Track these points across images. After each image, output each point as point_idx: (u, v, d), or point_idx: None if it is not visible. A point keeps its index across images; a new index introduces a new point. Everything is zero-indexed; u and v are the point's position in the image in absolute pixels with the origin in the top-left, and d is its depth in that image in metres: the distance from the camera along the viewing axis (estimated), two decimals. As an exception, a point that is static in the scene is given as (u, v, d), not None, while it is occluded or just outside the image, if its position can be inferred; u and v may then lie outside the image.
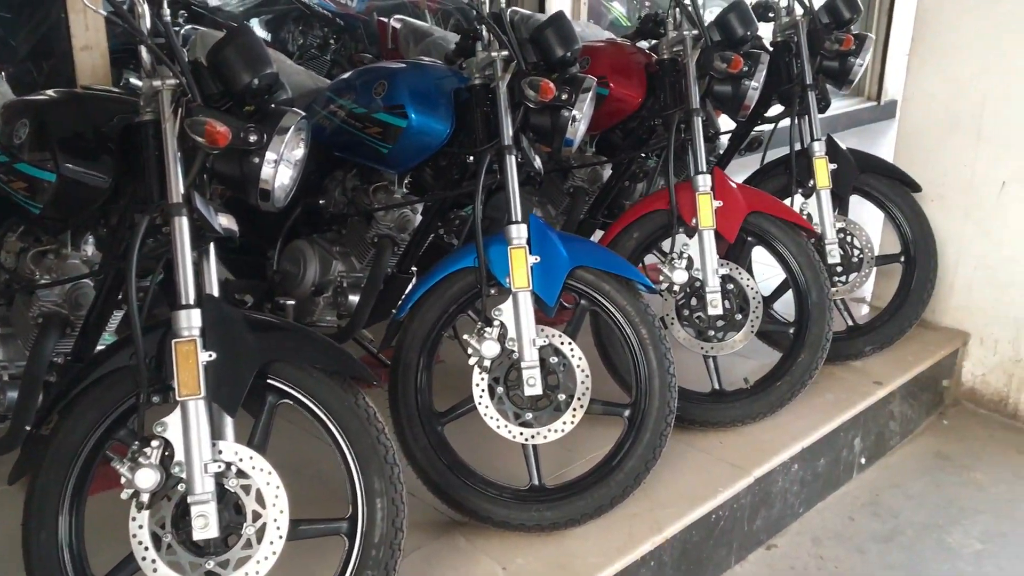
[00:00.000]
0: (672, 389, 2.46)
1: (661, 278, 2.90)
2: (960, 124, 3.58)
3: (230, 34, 1.86)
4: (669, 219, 2.93)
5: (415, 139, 2.59)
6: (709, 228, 2.90)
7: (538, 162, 2.51)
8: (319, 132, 2.82)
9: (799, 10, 3.46)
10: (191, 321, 1.78)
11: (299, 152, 1.94)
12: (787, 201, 3.44)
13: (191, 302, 1.79)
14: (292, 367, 1.89)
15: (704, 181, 2.92)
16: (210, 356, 1.78)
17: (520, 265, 2.32)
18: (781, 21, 3.50)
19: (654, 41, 3.25)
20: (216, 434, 1.81)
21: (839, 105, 7.92)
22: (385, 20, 4.14)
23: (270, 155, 1.82)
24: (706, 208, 2.91)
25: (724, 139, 3.81)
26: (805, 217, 3.39)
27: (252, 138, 1.79)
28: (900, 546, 2.89)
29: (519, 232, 2.34)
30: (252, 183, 1.83)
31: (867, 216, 3.66)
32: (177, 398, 1.77)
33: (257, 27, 4.29)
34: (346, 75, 2.85)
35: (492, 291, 2.40)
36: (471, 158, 2.55)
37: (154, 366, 1.80)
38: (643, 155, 3.36)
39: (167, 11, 1.78)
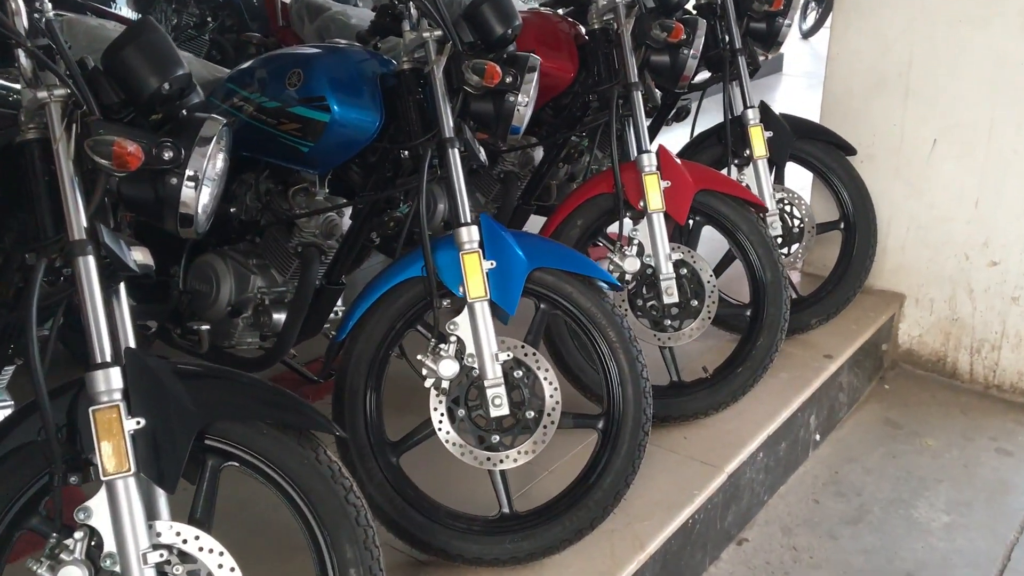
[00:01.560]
0: (647, 395, 2.26)
1: (611, 267, 2.70)
2: (887, 83, 3.49)
3: (131, 31, 1.59)
4: (615, 203, 2.72)
5: (340, 134, 2.28)
6: (659, 211, 2.71)
7: (482, 153, 2.26)
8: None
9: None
10: (111, 383, 1.51)
11: (220, 165, 1.70)
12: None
13: (108, 359, 1.51)
14: (237, 424, 1.62)
15: (650, 160, 2.72)
16: (138, 423, 1.52)
17: (475, 272, 2.09)
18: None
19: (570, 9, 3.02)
20: (151, 514, 1.54)
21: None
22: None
23: (190, 173, 1.57)
24: (654, 190, 2.71)
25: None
26: (747, 185, 3.24)
27: (167, 155, 1.54)
28: (870, 527, 2.80)
29: (470, 235, 2.10)
30: (170, 207, 1.58)
31: (801, 183, 3.56)
32: (101, 477, 1.50)
33: (126, 9, 3.83)
34: (249, 63, 2.50)
35: (444, 303, 2.14)
36: (405, 152, 2.29)
37: (66, 438, 1.53)
38: (578, 135, 3.13)
39: (49, 5, 1.51)
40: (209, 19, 4.18)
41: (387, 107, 2.29)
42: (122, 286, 1.58)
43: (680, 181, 2.76)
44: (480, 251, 2.10)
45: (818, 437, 3.20)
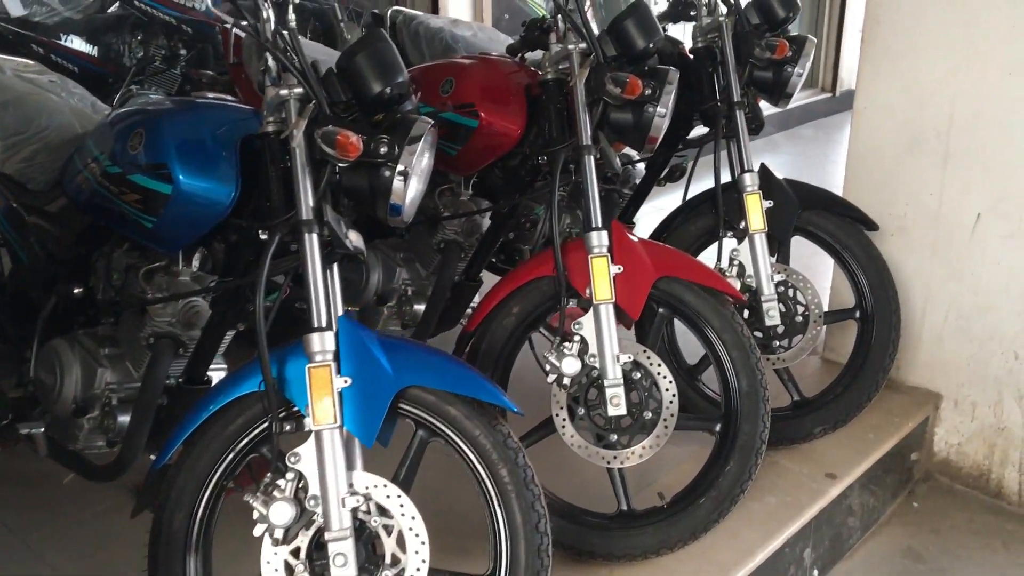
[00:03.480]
0: (544, 556, 1.79)
1: (548, 367, 2.23)
2: (924, 143, 2.93)
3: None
4: (555, 289, 2.25)
5: (185, 210, 1.88)
6: (607, 302, 2.23)
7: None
8: (78, 194, 2.10)
9: (723, 8, 2.77)
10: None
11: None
12: (714, 247, 2.79)
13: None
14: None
15: (599, 239, 2.24)
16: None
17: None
18: (702, 22, 2.81)
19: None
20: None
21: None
22: (228, 26, 3.39)
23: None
24: (602, 276, 2.23)
25: (641, 166, 3.14)
26: (736, 266, 2.73)
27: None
28: None
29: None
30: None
31: (812, 261, 3.01)
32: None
33: (78, 41, 3.53)
34: (107, 116, 2.12)
35: (286, 426, 1.72)
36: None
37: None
38: (529, 201, 2.69)
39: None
40: (182, 51, 3.86)
41: (246, 177, 1.89)
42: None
43: (636, 265, 2.27)
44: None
45: (816, 573, 2.64)
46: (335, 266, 1.79)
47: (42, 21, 3.54)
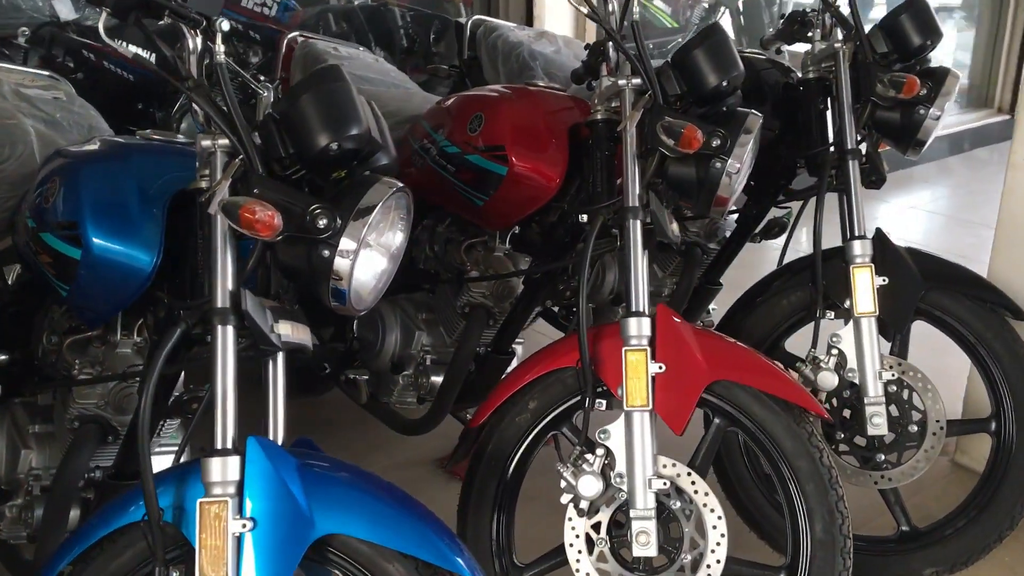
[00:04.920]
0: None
1: (562, 483, 1.77)
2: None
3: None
4: (580, 384, 1.79)
5: (99, 279, 1.54)
6: (642, 409, 1.75)
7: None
8: (18, 240, 1.80)
9: (840, 33, 2.22)
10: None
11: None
12: (810, 327, 2.24)
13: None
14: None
15: (638, 328, 1.77)
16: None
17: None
18: (815, 49, 2.26)
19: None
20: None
21: (962, 120, 6.42)
22: (291, 35, 3.07)
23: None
24: (638, 375, 1.76)
25: (733, 217, 2.61)
26: (835, 355, 2.17)
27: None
28: None
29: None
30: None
31: (939, 353, 2.39)
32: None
33: (134, 48, 3.30)
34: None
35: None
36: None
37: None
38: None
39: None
40: (252, 59, 3.58)
41: (169, 245, 1.53)
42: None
43: (685, 364, 1.78)
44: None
45: None
46: (279, 363, 1.45)
47: (94, 25, 3.33)
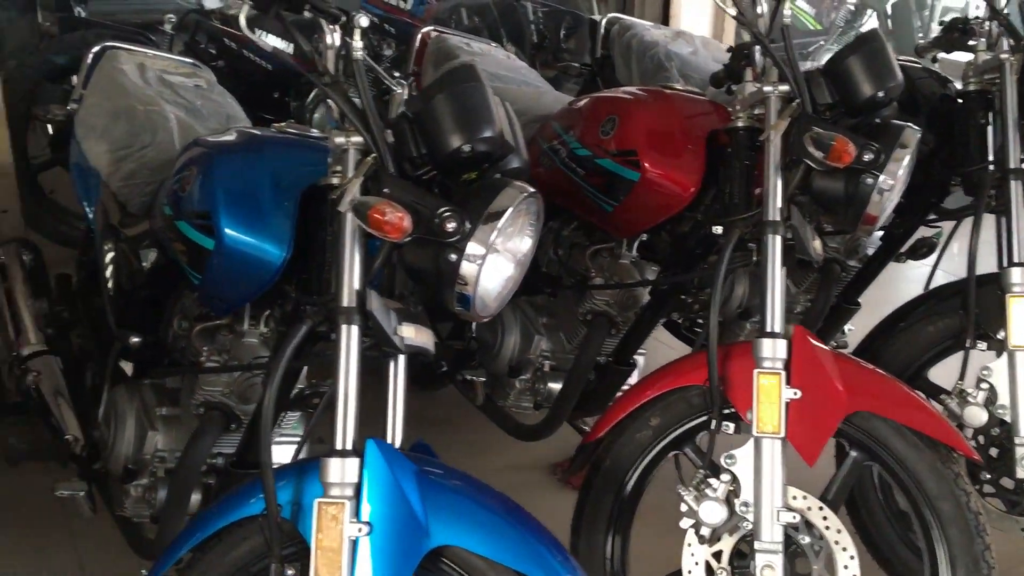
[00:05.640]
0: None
1: (683, 507, 1.70)
2: None
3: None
4: (707, 404, 1.71)
5: (229, 270, 1.55)
6: (773, 436, 1.65)
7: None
8: (157, 226, 1.84)
9: (1007, 43, 2.06)
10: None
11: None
12: (958, 357, 2.09)
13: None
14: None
15: (772, 350, 1.67)
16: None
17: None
18: (978, 59, 2.11)
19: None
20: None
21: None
22: (425, 29, 3.07)
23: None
24: (770, 400, 1.67)
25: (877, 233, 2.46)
26: (985, 389, 2.02)
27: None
28: None
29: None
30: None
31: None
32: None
33: (273, 38, 3.36)
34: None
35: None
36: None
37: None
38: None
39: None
40: (386, 52, 3.61)
41: (299, 239, 1.52)
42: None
43: (822, 391, 1.67)
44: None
45: None
46: (400, 364, 1.41)
47: (237, 15, 3.41)
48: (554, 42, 4.81)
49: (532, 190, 1.40)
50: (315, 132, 1.71)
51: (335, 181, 1.41)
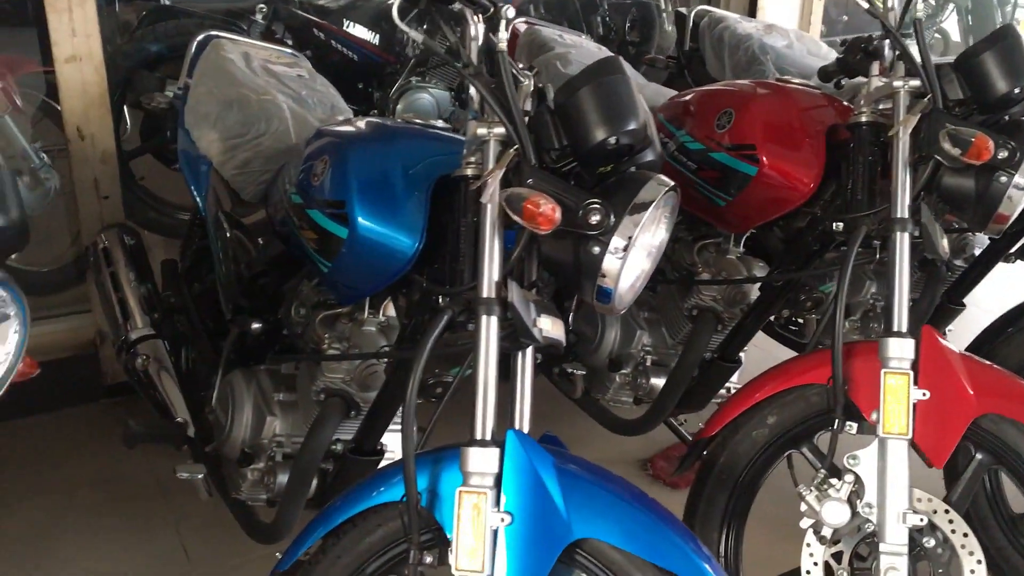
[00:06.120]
0: None
1: (804, 507, 1.68)
2: None
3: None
4: (828, 403, 1.69)
5: (361, 259, 1.55)
6: (899, 437, 1.63)
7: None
8: (274, 216, 1.86)
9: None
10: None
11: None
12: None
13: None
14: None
15: (900, 350, 1.65)
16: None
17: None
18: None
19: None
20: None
21: None
22: (516, 21, 3.06)
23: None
24: (898, 401, 1.64)
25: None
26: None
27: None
28: None
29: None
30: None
31: None
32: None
33: (360, 28, 3.38)
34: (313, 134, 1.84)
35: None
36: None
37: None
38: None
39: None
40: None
41: (436, 228, 1.52)
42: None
43: (951, 393, 1.66)
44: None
45: None
46: (528, 356, 1.40)
47: (326, 5, 3.44)
48: (620, 34, 4.79)
49: (672, 184, 1.39)
50: (440, 123, 1.71)
51: (469, 172, 1.41)
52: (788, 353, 2.52)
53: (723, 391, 2.26)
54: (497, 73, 1.36)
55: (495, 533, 1.31)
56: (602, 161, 1.39)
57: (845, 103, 1.99)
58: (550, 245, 1.39)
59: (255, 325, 1.83)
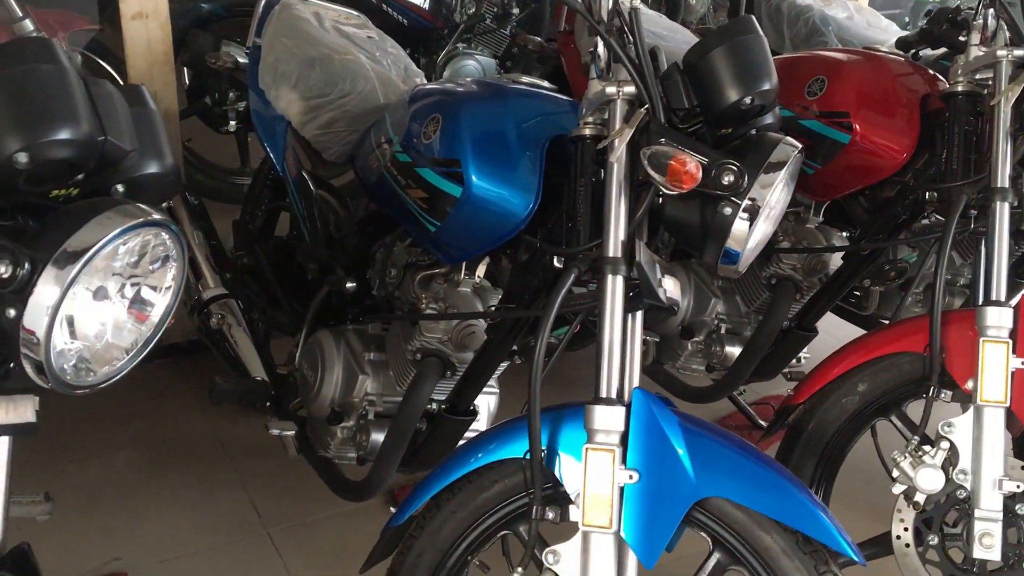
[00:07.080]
0: None
1: (896, 473, 1.69)
2: None
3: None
4: (924, 371, 1.70)
5: (473, 218, 1.55)
6: (996, 404, 1.64)
7: None
8: (366, 176, 1.85)
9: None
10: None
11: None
12: None
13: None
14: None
15: (999, 318, 1.66)
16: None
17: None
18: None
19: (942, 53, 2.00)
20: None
21: None
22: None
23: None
24: (996, 368, 1.66)
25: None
26: None
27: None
28: None
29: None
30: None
31: None
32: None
33: (413, -6, 3.36)
34: (409, 92, 1.83)
35: (548, 513, 1.35)
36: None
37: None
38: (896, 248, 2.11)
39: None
40: (514, 11, 3.59)
41: (547, 189, 1.52)
42: None
43: (1048, 362, 1.66)
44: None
45: None
46: (639, 317, 1.39)
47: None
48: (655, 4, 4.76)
49: (800, 146, 1.40)
50: (546, 84, 1.70)
51: (587, 132, 1.40)
52: (839, 323, 2.54)
53: (795, 360, 2.27)
54: (627, 32, 1.36)
55: (622, 491, 1.32)
56: (730, 122, 1.40)
57: (932, 74, 1.99)
58: (675, 206, 1.38)
59: (349, 284, 1.82)
